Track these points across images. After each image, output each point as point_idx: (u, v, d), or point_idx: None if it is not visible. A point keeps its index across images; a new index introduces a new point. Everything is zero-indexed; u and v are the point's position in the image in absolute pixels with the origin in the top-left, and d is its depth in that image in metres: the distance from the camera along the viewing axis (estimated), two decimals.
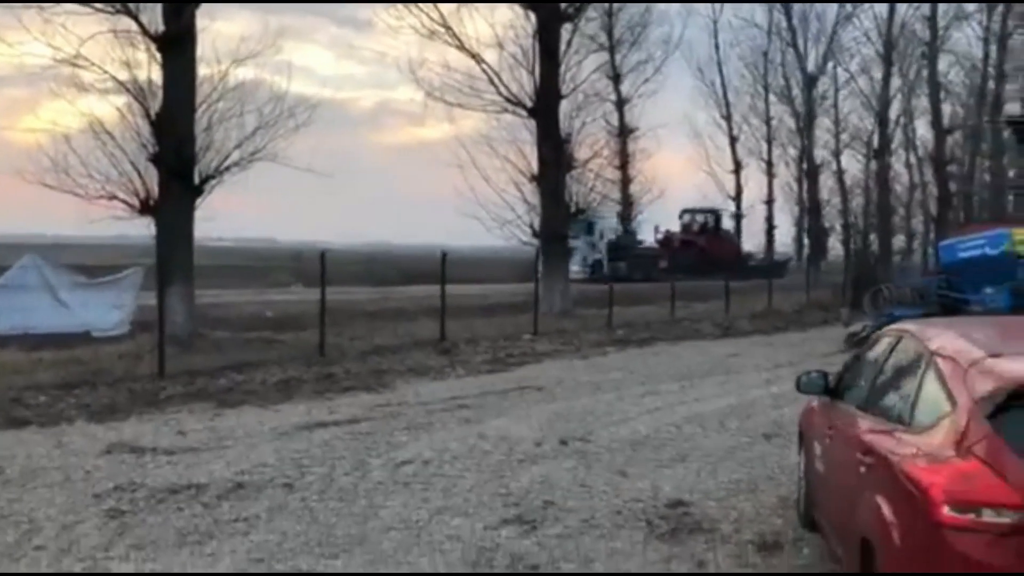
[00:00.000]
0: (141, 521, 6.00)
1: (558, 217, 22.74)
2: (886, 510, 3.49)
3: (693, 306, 24.83)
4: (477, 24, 28.11)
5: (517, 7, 22.31)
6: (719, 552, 5.59)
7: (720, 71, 54.70)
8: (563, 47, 22.85)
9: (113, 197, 16.00)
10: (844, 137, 42.79)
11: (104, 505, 6.30)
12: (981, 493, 3.06)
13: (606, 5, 38.08)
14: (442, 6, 21.33)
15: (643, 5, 42.64)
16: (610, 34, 48.12)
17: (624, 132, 51.21)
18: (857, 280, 26.53)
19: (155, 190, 15.73)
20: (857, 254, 31.31)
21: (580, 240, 39.45)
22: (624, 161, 50.27)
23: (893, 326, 4.99)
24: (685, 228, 46.68)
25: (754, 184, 54.72)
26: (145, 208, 16.15)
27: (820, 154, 43.11)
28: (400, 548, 5.59)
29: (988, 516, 3.03)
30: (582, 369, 14.08)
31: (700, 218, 47.31)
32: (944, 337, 4.06)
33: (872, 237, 37.52)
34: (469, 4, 22.01)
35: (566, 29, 22.91)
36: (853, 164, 43.07)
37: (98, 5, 15.25)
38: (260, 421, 9.48)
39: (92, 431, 8.94)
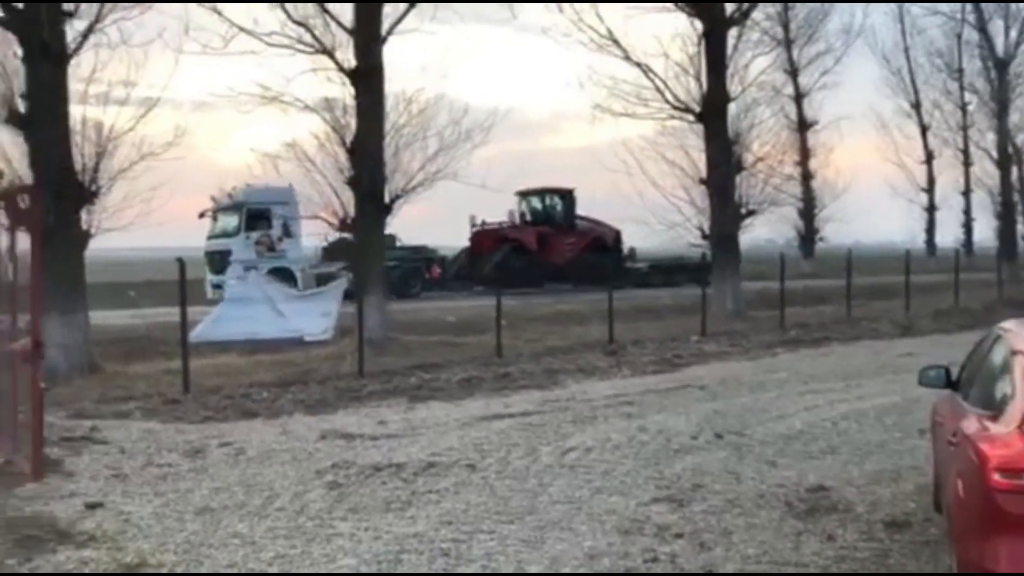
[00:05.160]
0: (355, 491, 7.30)
1: (727, 219, 23.06)
2: (959, 481, 4.13)
3: (872, 305, 24.39)
4: (643, 35, 28.70)
5: (682, 16, 22.84)
6: (848, 528, 6.21)
7: (907, 57, 52.30)
8: (730, 51, 23.16)
9: (316, 216, 18.13)
10: None
11: (325, 479, 7.67)
12: (1022, 462, 3.68)
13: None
14: (610, 21, 22.16)
15: None
16: (786, 28, 47.21)
17: (803, 127, 50.05)
18: None
19: (351, 209, 17.66)
20: None
21: (238, 239, 26.43)
22: (804, 156, 49.12)
23: (997, 327, 5.45)
24: (520, 219, 33.37)
25: (948, 174, 51.71)
26: (343, 226, 18.17)
27: None
28: (564, 518, 6.56)
29: None
30: (748, 369, 14.51)
31: (535, 203, 33.61)
32: None
33: None
34: (636, 17, 22.79)
35: (732, 34, 23.22)
36: None
37: (300, 46, 17.32)
38: (446, 413, 10.78)
39: (308, 421, 10.51)
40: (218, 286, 25.97)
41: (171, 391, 12.50)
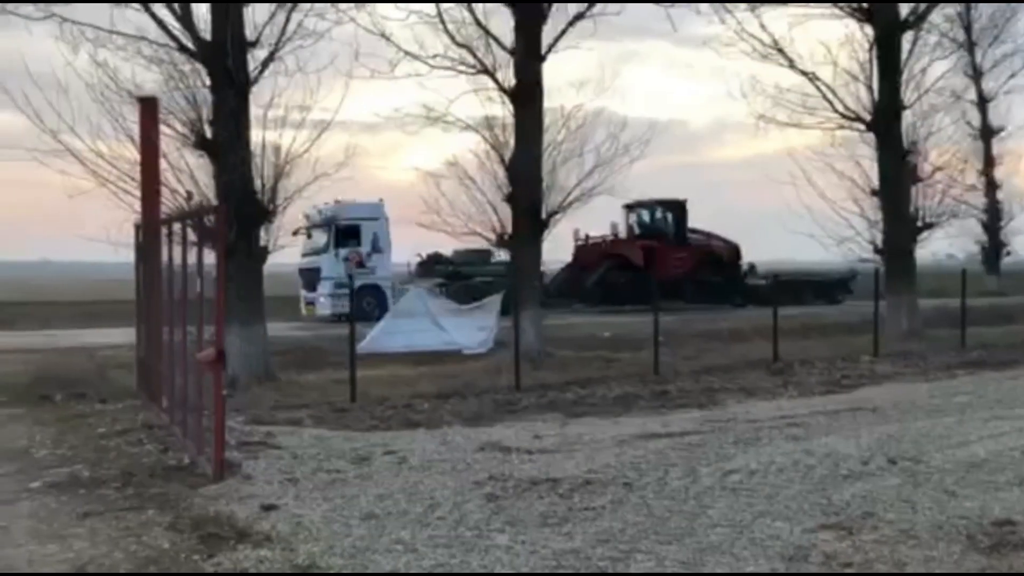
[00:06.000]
0: (512, 504, 7.36)
1: (902, 232, 21.90)
2: None
3: None
4: (809, 42, 27.71)
5: (851, 21, 21.89)
6: None
7: None
8: (904, 56, 22.02)
9: (475, 233, 18.57)
10: None
11: (483, 490, 7.77)
12: None
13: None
14: (773, 29, 21.53)
15: None
16: (968, 30, 44.38)
17: (988, 133, 46.84)
18: None
19: (509, 226, 17.96)
20: None
21: (328, 255, 26.72)
22: (988, 165, 45.93)
23: None
24: (628, 233, 32.23)
25: None
26: (501, 242, 18.51)
27: None
28: (725, 541, 6.36)
29: None
30: (924, 392, 13.68)
31: (644, 216, 32.52)
32: None
33: None
34: (801, 24, 22.01)
35: (907, 38, 22.06)
36: None
37: (462, 68, 17.83)
38: (602, 430, 10.69)
39: (467, 433, 10.69)
40: (311, 303, 26.78)
41: (339, 400, 13.08)
